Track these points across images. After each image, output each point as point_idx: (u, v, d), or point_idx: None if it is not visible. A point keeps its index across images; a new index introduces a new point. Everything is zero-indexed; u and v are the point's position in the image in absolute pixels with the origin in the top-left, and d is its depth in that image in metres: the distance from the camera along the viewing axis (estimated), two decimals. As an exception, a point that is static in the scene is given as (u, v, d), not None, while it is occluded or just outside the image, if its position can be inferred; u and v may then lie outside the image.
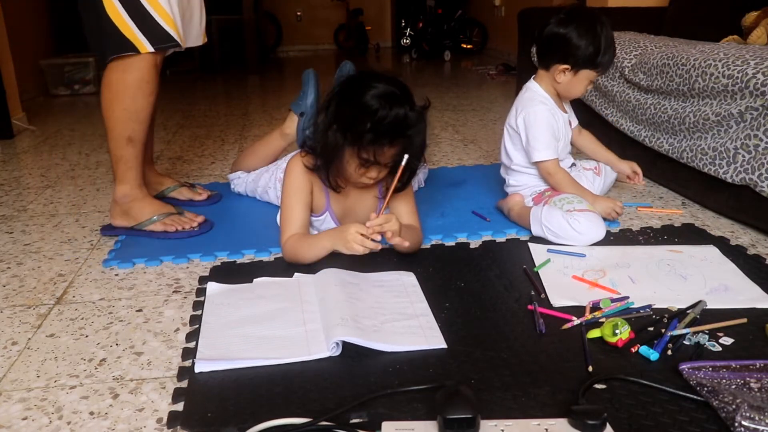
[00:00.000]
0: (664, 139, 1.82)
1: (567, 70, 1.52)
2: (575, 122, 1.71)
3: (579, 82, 1.54)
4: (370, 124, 1.18)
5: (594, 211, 1.48)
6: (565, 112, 1.64)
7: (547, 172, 1.56)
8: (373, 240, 1.24)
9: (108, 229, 1.61)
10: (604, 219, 1.52)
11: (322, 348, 1.02)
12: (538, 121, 1.53)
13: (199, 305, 1.21)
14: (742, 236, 1.52)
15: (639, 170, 1.68)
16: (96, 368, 1.02)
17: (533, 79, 1.61)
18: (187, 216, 1.60)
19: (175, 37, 1.47)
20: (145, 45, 1.43)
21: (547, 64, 1.56)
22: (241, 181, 1.87)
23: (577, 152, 1.77)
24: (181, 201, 1.82)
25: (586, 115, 1.68)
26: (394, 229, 1.26)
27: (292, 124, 1.79)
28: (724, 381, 0.90)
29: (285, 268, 1.33)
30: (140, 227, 1.56)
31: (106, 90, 1.49)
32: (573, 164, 1.70)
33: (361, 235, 1.24)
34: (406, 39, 6.51)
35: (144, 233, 1.56)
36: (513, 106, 1.63)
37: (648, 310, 1.14)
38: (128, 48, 1.43)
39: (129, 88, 1.47)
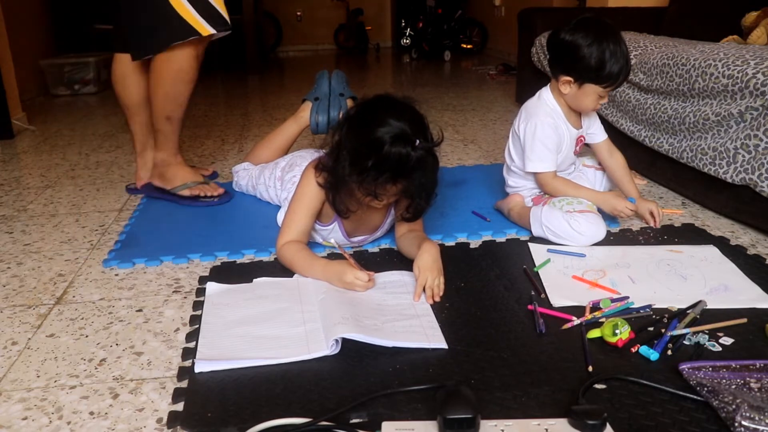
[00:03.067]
0: (664, 139, 1.82)
1: (570, 83, 1.45)
2: (602, 136, 1.61)
3: (585, 95, 1.45)
4: (372, 162, 1.15)
5: (594, 211, 1.47)
6: (579, 127, 1.56)
7: (541, 183, 1.55)
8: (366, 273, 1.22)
9: (133, 189, 1.91)
10: (612, 217, 1.52)
11: (321, 347, 1.02)
12: (537, 133, 1.49)
13: (199, 305, 1.21)
14: (742, 236, 1.52)
15: (657, 213, 1.53)
16: (96, 368, 1.02)
17: (548, 86, 1.54)
18: (210, 186, 1.84)
19: (227, 19, 1.65)
20: (206, 27, 1.62)
21: (554, 74, 1.49)
22: (245, 174, 1.88)
23: (584, 153, 1.71)
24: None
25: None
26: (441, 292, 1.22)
27: (306, 110, 1.94)
28: (724, 381, 0.90)
29: (284, 268, 1.33)
30: (174, 191, 1.81)
31: (152, 76, 1.70)
32: (573, 164, 1.68)
33: (362, 278, 1.21)
34: (406, 39, 6.50)
35: (176, 198, 1.81)
36: (521, 108, 1.59)
37: (648, 310, 1.14)
38: (191, 32, 1.60)
39: (170, 75, 1.67)
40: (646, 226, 1.56)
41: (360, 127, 1.20)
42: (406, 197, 1.29)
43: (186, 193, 1.80)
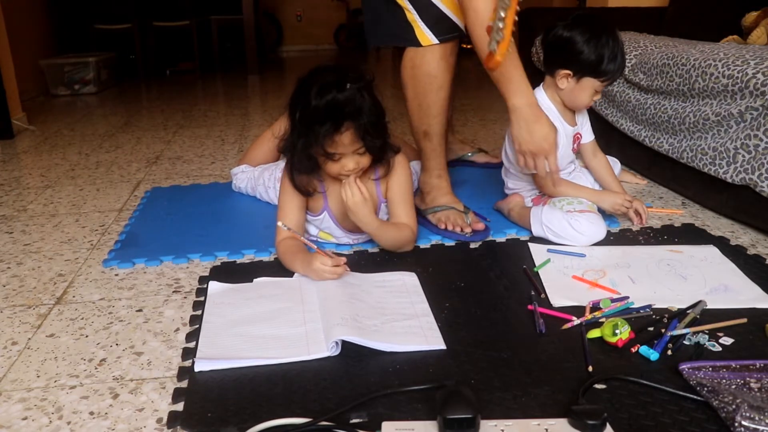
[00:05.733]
0: (664, 139, 1.82)
1: (569, 77, 1.46)
2: (589, 137, 1.62)
3: (582, 90, 1.47)
4: (309, 119, 1.21)
5: (594, 211, 1.47)
6: (574, 124, 1.56)
7: (539, 185, 1.55)
8: (335, 265, 1.23)
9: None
10: (612, 215, 1.51)
11: (321, 348, 1.02)
12: None
13: (199, 305, 1.21)
14: (742, 236, 1.52)
15: (642, 210, 1.53)
16: (96, 368, 1.02)
17: (541, 86, 1.55)
18: (469, 219, 1.57)
19: (460, 25, 1.49)
20: (428, 37, 1.49)
21: (551, 70, 1.50)
22: (244, 176, 1.88)
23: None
24: (479, 164, 2.12)
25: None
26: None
27: None
28: (724, 381, 0.90)
29: (284, 267, 1.33)
30: (424, 213, 1.62)
31: (405, 86, 1.57)
32: (572, 161, 1.67)
33: (327, 263, 1.22)
34: (407, 39, 6.48)
35: (425, 220, 1.59)
36: None
37: (648, 310, 1.14)
38: (413, 42, 1.50)
39: (419, 84, 1.53)
40: (647, 226, 1.56)
41: (296, 99, 1.27)
42: (359, 141, 1.26)
43: (433, 219, 1.58)
